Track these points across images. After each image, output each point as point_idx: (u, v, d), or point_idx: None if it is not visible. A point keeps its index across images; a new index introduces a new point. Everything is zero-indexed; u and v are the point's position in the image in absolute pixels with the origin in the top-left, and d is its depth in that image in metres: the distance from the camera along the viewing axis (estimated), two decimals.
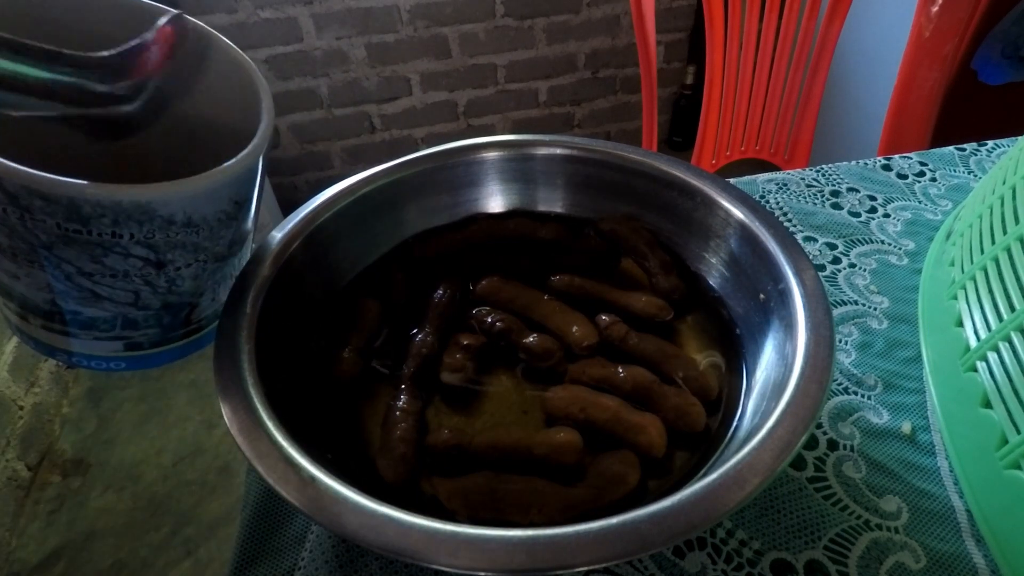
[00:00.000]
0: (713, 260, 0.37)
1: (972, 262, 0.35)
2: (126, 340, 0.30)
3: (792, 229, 0.48)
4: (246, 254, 0.33)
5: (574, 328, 0.34)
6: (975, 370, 0.32)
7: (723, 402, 0.32)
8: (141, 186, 0.25)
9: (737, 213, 0.35)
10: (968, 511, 0.31)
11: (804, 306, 0.29)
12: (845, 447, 0.34)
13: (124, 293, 0.28)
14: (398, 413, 0.30)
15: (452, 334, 0.35)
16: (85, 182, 0.24)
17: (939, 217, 0.49)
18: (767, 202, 0.50)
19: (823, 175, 0.53)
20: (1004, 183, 0.35)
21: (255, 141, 0.30)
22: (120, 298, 0.28)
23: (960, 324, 0.34)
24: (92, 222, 0.25)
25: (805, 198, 0.51)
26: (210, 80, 0.33)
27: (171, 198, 0.26)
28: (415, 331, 0.35)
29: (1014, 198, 0.33)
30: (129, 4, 0.32)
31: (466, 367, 0.33)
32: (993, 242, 0.33)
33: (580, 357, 0.34)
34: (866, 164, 0.54)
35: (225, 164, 0.28)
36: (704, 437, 0.31)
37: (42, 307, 0.28)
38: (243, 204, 0.31)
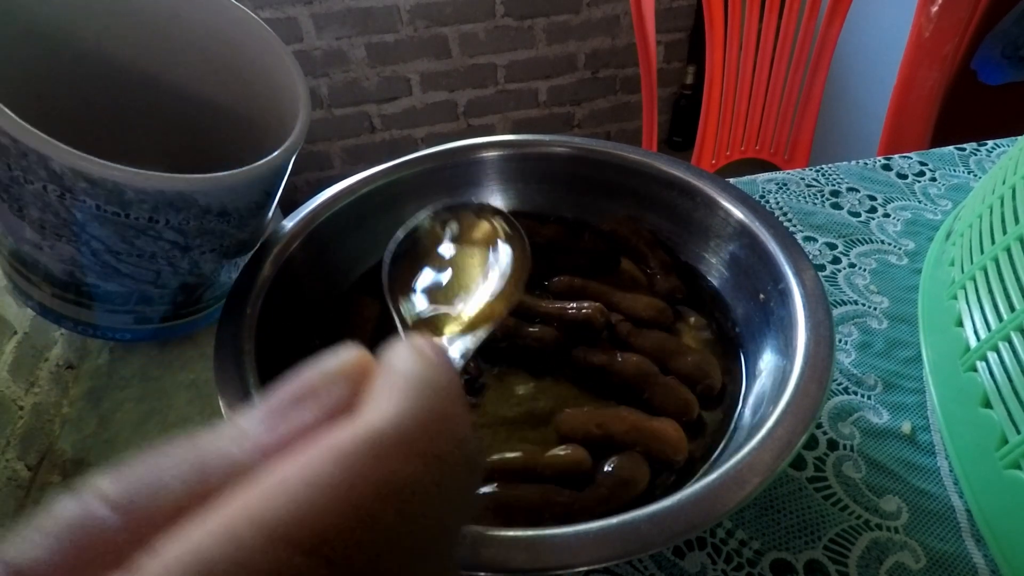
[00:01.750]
0: (713, 260, 0.37)
1: (972, 262, 0.35)
2: (138, 314, 0.30)
3: (792, 229, 0.48)
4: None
5: (579, 306, 0.34)
6: (975, 370, 0.32)
7: (723, 401, 0.32)
8: (187, 177, 0.25)
9: (737, 213, 0.35)
10: (968, 511, 0.31)
11: (804, 306, 0.29)
12: (845, 447, 0.34)
13: (146, 272, 0.28)
14: None
15: None
16: (133, 170, 0.24)
17: (939, 217, 0.49)
18: (767, 202, 0.50)
19: (823, 175, 0.53)
20: (1004, 183, 0.35)
21: (293, 136, 0.30)
22: (141, 276, 0.28)
23: (960, 324, 0.34)
24: (132, 207, 0.25)
25: (805, 198, 0.51)
26: (246, 66, 0.33)
27: (213, 189, 0.26)
28: None
29: (1014, 198, 0.33)
30: None
31: (467, 367, 0.33)
32: (993, 242, 0.33)
33: (582, 340, 0.34)
34: (866, 164, 0.54)
35: (266, 158, 0.28)
36: (702, 424, 0.31)
37: (60, 277, 0.28)
38: (272, 195, 0.31)
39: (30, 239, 0.26)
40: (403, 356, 0.11)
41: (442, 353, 0.12)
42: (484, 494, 0.27)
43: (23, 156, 0.23)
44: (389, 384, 0.10)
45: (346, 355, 0.11)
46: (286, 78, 0.32)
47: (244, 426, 0.10)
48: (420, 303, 0.24)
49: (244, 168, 0.27)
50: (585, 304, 0.34)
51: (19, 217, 0.25)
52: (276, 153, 0.28)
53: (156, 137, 0.35)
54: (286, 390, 0.11)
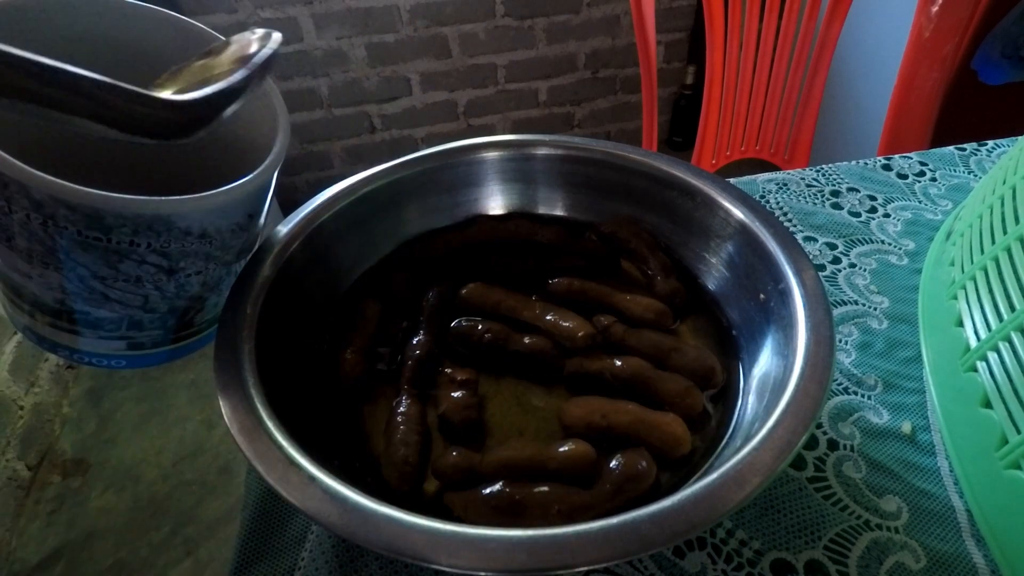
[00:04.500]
0: (713, 260, 0.37)
1: (972, 262, 0.35)
2: (130, 340, 0.30)
3: (792, 229, 0.48)
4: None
5: (567, 323, 0.34)
6: (975, 370, 0.32)
7: (723, 401, 0.32)
8: (163, 199, 0.25)
9: (737, 213, 0.35)
10: (968, 511, 0.31)
11: (804, 306, 0.29)
12: (845, 447, 0.34)
13: (134, 296, 0.28)
14: (400, 418, 0.30)
15: (446, 335, 0.35)
16: (111, 194, 0.24)
17: (939, 217, 0.49)
18: (767, 202, 0.50)
19: (823, 175, 0.53)
20: (1004, 183, 0.35)
21: (271, 157, 0.30)
22: (130, 301, 0.28)
23: (960, 324, 0.34)
24: (113, 231, 0.25)
25: (805, 198, 0.51)
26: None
27: (191, 211, 0.26)
28: (411, 335, 0.35)
29: (1014, 198, 0.33)
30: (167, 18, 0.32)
31: (468, 403, 0.32)
32: (993, 242, 0.33)
33: (576, 352, 0.34)
34: (866, 164, 0.54)
35: (243, 179, 0.28)
36: (705, 420, 0.31)
37: (51, 306, 0.28)
38: (255, 216, 0.31)
39: (20, 268, 0.26)
40: None
41: None
42: (492, 493, 0.27)
43: (5, 186, 0.23)
44: None
45: None
46: (265, 102, 0.32)
47: None
48: None
49: (220, 190, 0.27)
50: (573, 324, 0.34)
51: (8, 247, 0.26)
52: (251, 176, 0.28)
53: (156, 165, 0.35)
54: None
